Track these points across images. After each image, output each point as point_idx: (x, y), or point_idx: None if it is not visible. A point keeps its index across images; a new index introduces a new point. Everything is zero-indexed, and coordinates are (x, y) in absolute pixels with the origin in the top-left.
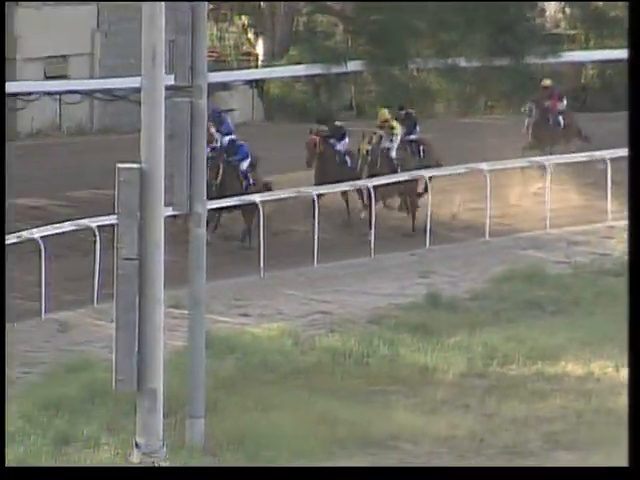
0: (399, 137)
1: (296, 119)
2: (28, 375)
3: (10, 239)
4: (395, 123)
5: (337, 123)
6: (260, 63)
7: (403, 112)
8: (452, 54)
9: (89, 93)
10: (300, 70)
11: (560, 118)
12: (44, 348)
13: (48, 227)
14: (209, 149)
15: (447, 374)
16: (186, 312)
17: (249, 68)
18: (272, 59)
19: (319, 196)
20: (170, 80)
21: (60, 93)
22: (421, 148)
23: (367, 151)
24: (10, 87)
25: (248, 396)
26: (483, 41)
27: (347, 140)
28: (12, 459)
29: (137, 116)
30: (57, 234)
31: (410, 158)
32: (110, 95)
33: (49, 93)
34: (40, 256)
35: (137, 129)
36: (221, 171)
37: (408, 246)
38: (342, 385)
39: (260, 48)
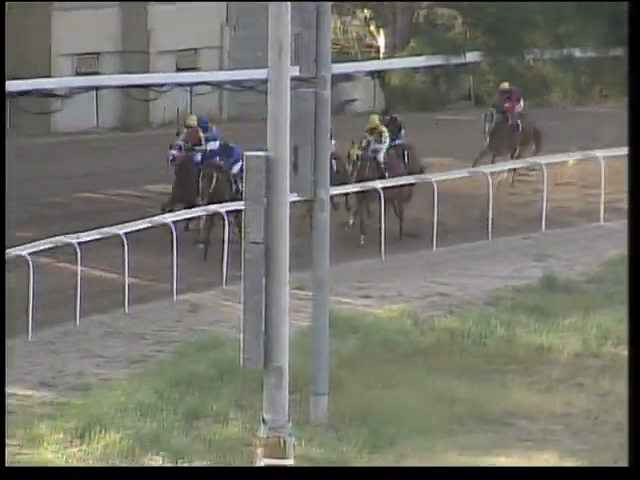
0: (388, 141)
1: (416, 108)
2: (160, 353)
3: (143, 224)
4: (384, 128)
5: None
6: (382, 55)
7: (388, 117)
8: (567, 45)
9: (218, 84)
10: (420, 61)
11: (518, 121)
12: (175, 327)
13: (179, 213)
14: (200, 155)
15: (562, 354)
16: (310, 294)
17: (371, 59)
18: (393, 51)
19: (439, 182)
20: (295, 71)
21: (191, 84)
22: (406, 153)
23: (357, 156)
24: (144, 79)
25: (369, 374)
26: (598, 32)
27: (333, 142)
28: (146, 433)
29: (264, 106)
30: (188, 219)
31: (396, 163)
32: (238, 86)
33: (180, 84)
34: (172, 240)
35: (264, 118)
36: (214, 179)
37: (523, 230)
38: (460, 364)
39: (382, 40)
